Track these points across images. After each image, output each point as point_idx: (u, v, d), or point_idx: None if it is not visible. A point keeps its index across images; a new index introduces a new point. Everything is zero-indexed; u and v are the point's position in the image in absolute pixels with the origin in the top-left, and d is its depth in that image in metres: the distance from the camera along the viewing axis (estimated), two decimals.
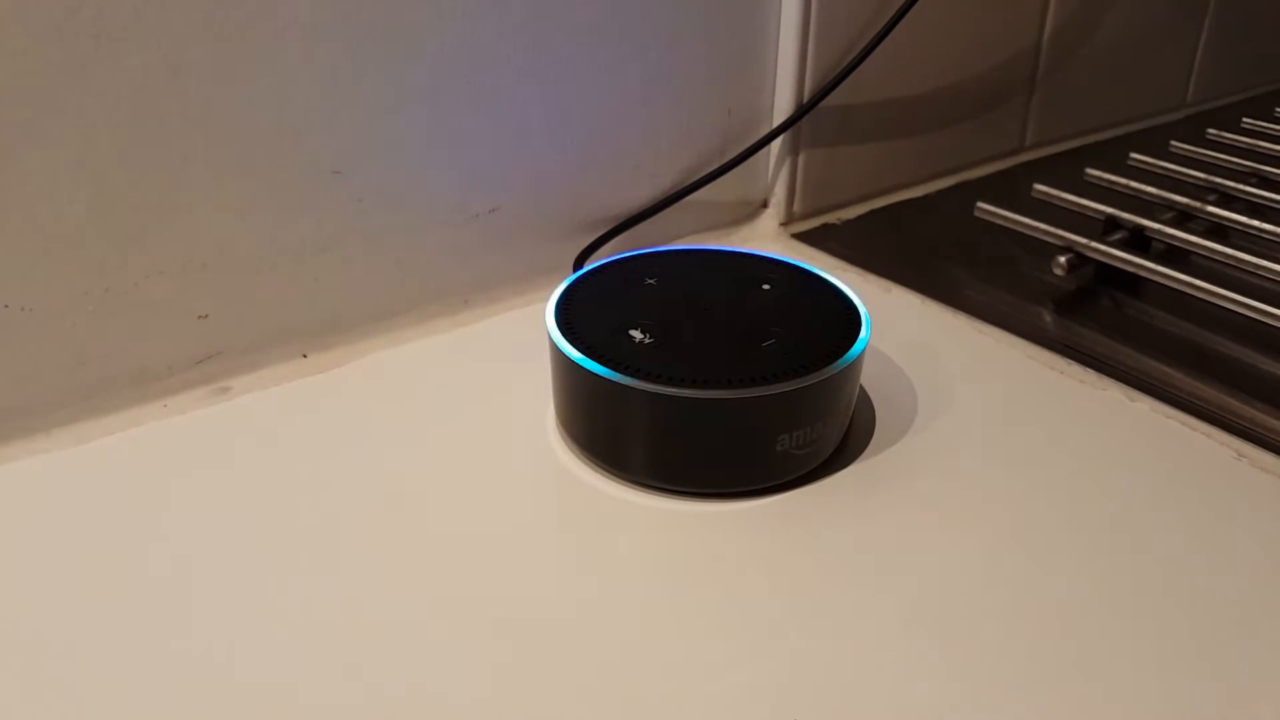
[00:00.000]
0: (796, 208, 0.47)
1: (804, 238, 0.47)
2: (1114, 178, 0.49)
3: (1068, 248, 0.42)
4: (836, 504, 0.29)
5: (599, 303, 0.31)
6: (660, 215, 0.42)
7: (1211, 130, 0.58)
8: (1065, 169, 0.52)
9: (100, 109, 0.29)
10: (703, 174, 0.43)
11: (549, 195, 0.39)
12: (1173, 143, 0.55)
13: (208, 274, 0.32)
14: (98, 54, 0.28)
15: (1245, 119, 0.60)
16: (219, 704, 0.22)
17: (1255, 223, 0.44)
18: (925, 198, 0.52)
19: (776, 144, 0.46)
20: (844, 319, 0.30)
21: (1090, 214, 0.45)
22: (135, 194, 0.30)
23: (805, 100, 0.44)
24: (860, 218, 0.49)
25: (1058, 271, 0.42)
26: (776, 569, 0.26)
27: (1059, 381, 0.35)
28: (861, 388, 0.33)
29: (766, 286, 0.32)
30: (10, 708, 0.22)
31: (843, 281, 0.33)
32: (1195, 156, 0.54)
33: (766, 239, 0.47)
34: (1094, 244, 0.42)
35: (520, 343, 0.36)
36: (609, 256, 0.35)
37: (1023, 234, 0.44)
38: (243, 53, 0.30)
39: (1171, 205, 0.47)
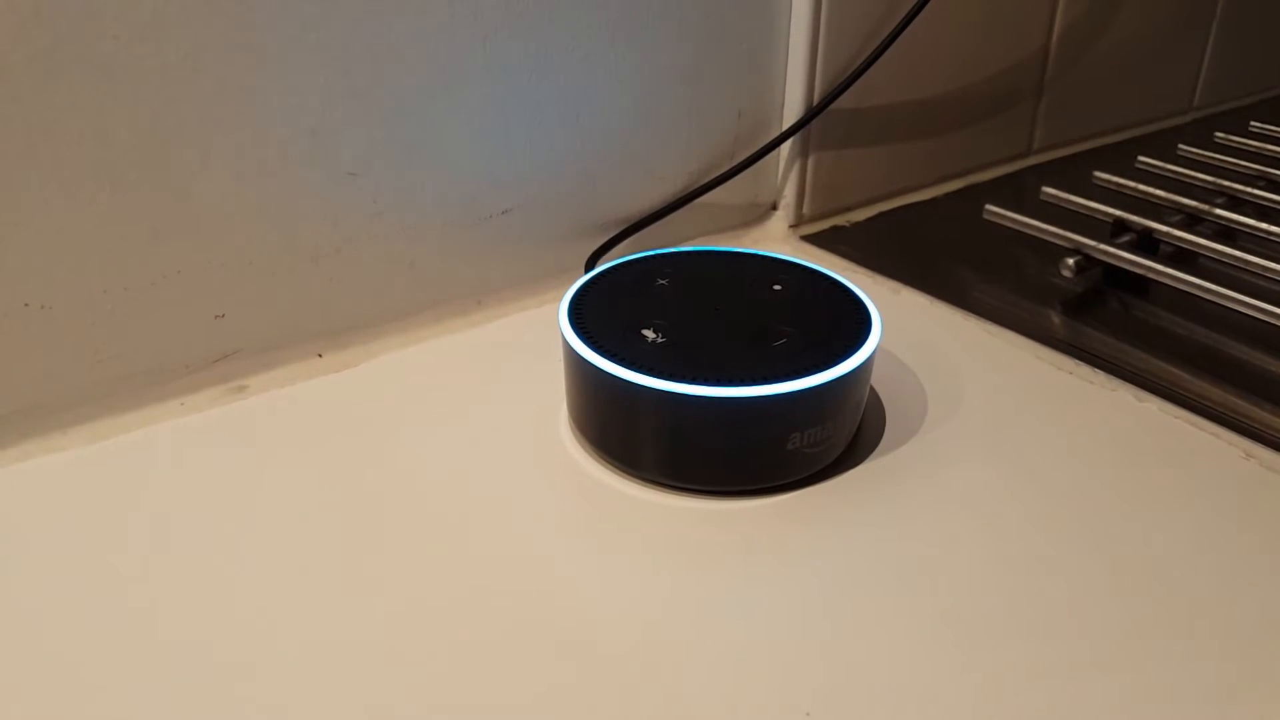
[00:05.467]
0: (806, 210, 0.48)
1: (813, 240, 0.47)
2: (1122, 181, 0.50)
3: (1076, 250, 0.42)
4: (847, 502, 0.29)
5: (611, 303, 0.31)
6: (671, 217, 0.43)
7: (1219, 134, 0.58)
8: (1073, 172, 0.52)
9: (120, 109, 0.29)
10: (713, 176, 0.43)
11: (561, 197, 0.40)
12: (1180, 146, 0.55)
13: (224, 274, 0.33)
14: (118, 55, 0.29)
15: (1253, 122, 0.60)
16: (227, 700, 0.22)
17: (1263, 225, 0.44)
18: (934, 200, 0.52)
19: (786, 146, 0.46)
20: (854, 319, 0.31)
21: (1098, 216, 0.46)
22: (153, 194, 0.30)
23: (815, 103, 0.45)
24: (869, 220, 0.50)
25: (1066, 273, 0.42)
26: (787, 567, 0.26)
27: (1067, 382, 0.35)
28: (871, 388, 0.34)
29: (778, 287, 0.33)
30: (19, 702, 0.22)
31: (852, 283, 0.33)
32: (1203, 160, 0.54)
33: (776, 241, 0.47)
34: (1102, 246, 0.42)
35: (533, 343, 0.37)
36: (621, 257, 0.35)
37: (1031, 236, 0.45)
38: (260, 55, 0.31)
39: (1179, 208, 0.47)
